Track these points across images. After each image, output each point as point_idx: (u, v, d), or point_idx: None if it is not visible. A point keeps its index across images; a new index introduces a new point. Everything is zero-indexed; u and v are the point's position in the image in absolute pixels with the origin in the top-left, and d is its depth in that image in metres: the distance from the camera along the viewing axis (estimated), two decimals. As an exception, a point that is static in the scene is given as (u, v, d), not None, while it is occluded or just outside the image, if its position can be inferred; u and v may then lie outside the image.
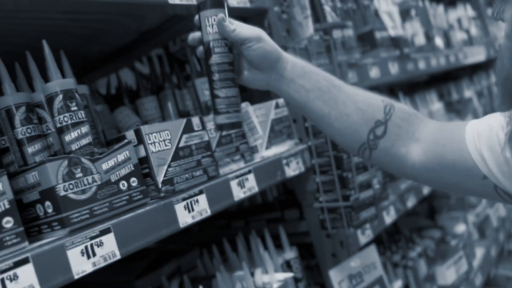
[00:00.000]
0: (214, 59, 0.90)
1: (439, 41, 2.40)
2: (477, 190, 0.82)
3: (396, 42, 1.90)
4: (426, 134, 0.88)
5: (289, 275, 1.17)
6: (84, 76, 1.60)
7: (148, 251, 1.68)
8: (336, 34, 1.49)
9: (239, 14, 1.38)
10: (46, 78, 0.86)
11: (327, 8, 1.60)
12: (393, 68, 1.81)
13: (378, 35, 1.77)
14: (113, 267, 1.53)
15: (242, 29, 0.89)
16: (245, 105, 1.22)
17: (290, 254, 1.29)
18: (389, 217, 1.54)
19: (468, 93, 2.73)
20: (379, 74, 1.70)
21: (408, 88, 2.44)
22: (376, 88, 2.45)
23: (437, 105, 2.31)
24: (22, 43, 0.96)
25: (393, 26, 1.92)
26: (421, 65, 2.08)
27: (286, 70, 0.91)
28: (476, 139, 0.78)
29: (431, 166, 0.86)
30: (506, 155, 0.72)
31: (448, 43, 2.53)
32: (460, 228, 2.14)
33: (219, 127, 0.92)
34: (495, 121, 0.76)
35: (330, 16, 1.59)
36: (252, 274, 1.15)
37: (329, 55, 1.43)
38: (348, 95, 0.90)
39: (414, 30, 2.14)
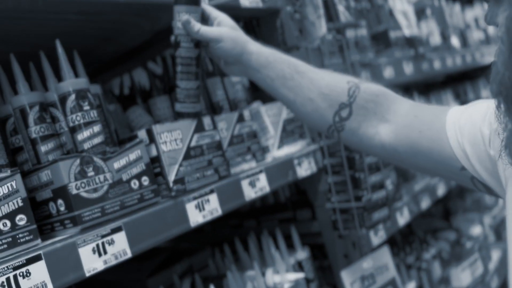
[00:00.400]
0: (179, 52, 0.98)
1: (455, 41, 2.36)
2: (451, 176, 0.82)
3: (411, 42, 1.88)
4: (398, 116, 0.87)
5: (300, 275, 1.16)
6: (98, 76, 1.62)
7: (160, 250, 1.69)
8: (350, 33, 1.48)
9: (251, 14, 1.38)
10: (59, 78, 0.87)
11: (341, 8, 1.59)
12: (408, 68, 1.79)
13: (393, 34, 1.76)
14: (125, 266, 1.55)
15: (205, 31, 0.96)
16: (256, 105, 1.22)
17: (302, 254, 1.29)
18: (403, 218, 1.52)
19: (485, 93, 2.69)
20: (393, 74, 1.68)
21: (424, 88, 2.42)
22: (390, 87, 2.43)
23: (453, 105, 2.28)
24: (36, 44, 0.97)
25: (408, 26, 1.90)
26: (437, 65, 2.05)
27: (251, 61, 0.98)
28: (458, 133, 0.76)
29: (403, 149, 0.85)
30: (491, 153, 0.71)
31: (464, 42, 2.50)
32: (476, 230, 2.10)
33: (177, 114, 1.01)
34: (478, 114, 0.74)
35: (344, 16, 1.58)
36: (264, 274, 1.15)
37: (342, 55, 1.42)
38: (312, 80, 0.94)
39: (430, 30, 2.11)
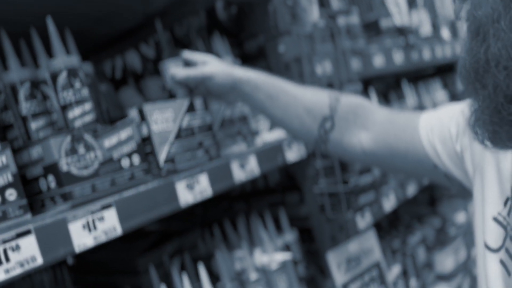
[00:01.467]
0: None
1: (445, 32, 2.38)
2: (427, 175, 0.89)
3: (402, 31, 1.89)
4: (375, 124, 0.95)
5: (288, 255, 1.18)
6: (90, 58, 1.61)
7: (151, 232, 1.71)
8: (341, 20, 1.49)
9: (244, -2, 1.38)
10: (51, 56, 0.87)
11: (333, -6, 1.60)
12: (398, 57, 1.81)
13: (384, 23, 1.77)
14: (116, 246, 1.57)
15: (197, 72, 1.01)
16: (247, 89, 1.23)
17: (290, 236, 1.31)
18: (389, 203, 1.55)
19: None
20: (383, 63, 1.70)
21: (414, 78, 2.44)
22: (381, 77, 2.45)
23: (441, 94, 2.31)
24: (28, 23, 0.96)
25: (399, 15, 1.92)
26: (426, 55, 2.07)
27: (243, 89, 1.02)
28: (430, 133, 0.83)
29: (381, 153, 0.93)
30: (457, 149, 0.78)
31: (454, 34, 2.52)
32: (460, 217, 2.14)
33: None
34: (446, 115, 0.82)
35: (336, 3, 1.59)
36: (252, 254, 1.17)
37: (333, 41, 1.43)
38: (296, 98, 1.00)
39: (420, 20, 2.13)
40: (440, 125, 0.82)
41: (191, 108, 1.00)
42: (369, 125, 0.95)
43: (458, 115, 0.79)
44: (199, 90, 1.05)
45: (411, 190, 1.72)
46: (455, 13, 0.56)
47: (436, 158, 0.82)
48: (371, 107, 0.98)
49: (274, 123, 1.07)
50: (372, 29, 1.72)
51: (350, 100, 0.99)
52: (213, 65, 1.03)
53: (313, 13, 1.33)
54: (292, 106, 1.00)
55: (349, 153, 0.99)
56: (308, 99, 1.00)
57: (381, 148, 0.93)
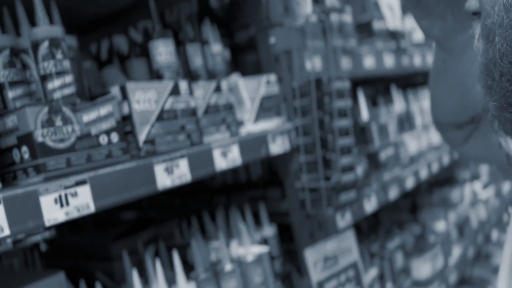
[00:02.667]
0: None
1: (437, 40, 2.39)
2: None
3: (394, 35, 1.89)
4: None
5: (264, 249, 1.17)
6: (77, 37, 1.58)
7: (128, 220, 1.68)
8: (334, 17, 1.48)
9: (238, -13, 1.37)
10: (34, 26, 0.84)
11: (327, -8, 1.59)
12: (388, 60, 1.81)
13: (376, 25, 1.77)
14: (92, 231, 1.53)
15: None
16: (235, 78, 1.22)
17: (269, 231, 1.30)
18: (370, 205, 1.54)
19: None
20: (373, 65, 1.70)
21: (403, 84, 2.45)
22: (371, 81, 2.45)
23: (429, 102, 2.32)
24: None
25: (392, 19, 1.92)
26: (417, 60, 2.08)
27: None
28: None
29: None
30: None
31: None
32: (440, 225, 2.15)
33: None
34: None
35: (330, 0, 1.58)
36: (228, 246, 1.15)
37: (325, 38, 1.42)
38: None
39: (413, 26, 2.14)
40: None
41: (175, 91, 0.98)
42: None
43: None
44: None
45: (393, 194, 1.72)
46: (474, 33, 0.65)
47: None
48: None
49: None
50: (364, 30, 1.72)
51: None
52: None
53: (306, 7, 1.32)
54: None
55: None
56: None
57: None
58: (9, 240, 1.55)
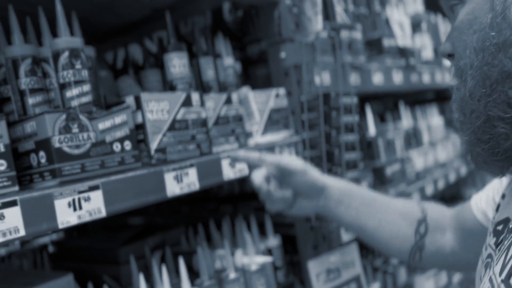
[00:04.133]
0: None
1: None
2: None
3: (403, 52, 1.92)
4: (450, 219, 1.01)
5: (268, 259, 1.19)
6: (93, 45, 1.63)
7: (135, 225, 1.71)
8: (344, 34, 1.51)
9: (251, 2, 1.41)
10: (55, 37, 0.88)
11: (338, 9, 1.63)
12: (397, 77, 1.83)
13: (386, 42, 1.80)
14: (100, 235, 1.56)
15: (289, 162, 1.02)
16: (245, 90, 1.25)
17: (273, 241, 1.32)
18: (375, 220, 1.56)
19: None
20: (382, 81, 1.72)
21: (411, 103, 2.47)
22: (379, 97, 2.47)
23: (437, 119, 2.33)
24: (35, 4, 0.98)
25: (402, 36, 1.95)
26: (426, 78, 2.10)
27: (331, 194, 1.04)
28: (478, 203, 0.93)
29: (463, 242, 0.97)
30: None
31: (455, 61, 2.55)
32: (445, 243, 2.15)
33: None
34: (490, 186, 0.91)
35: (340, 17, 1.62)
36: (233, 254, 1.18)
37: (334, 54, 1.45)
38: (388, 204, 1.03)
39: (423, 44, 2.16)
40: (486, 194, 0.92)
41: (187, 102, 1.02)
42: (446, 225, 1.01)
43: (499, 186, 0.88)
44: (285, 184, 1.04)
45: (398, 209, 1.73)
46: (449, 68, 0.71)
47: (485, 221, 0.90)
48: (442, 209, 1.05)
49: (365, 236, 1.07)
50: (374, 47, 1.75)
51: (432, 204, 1.05)
52: (292, 159, 1.03)
53: (317, 24, 1.35)
54: (387, 212, 1.02)
55: (440, 256, 1.01)
56: (400, 204, 1.04)
57: (460, 237, 0.98)
58: (17, 241, 1.59)
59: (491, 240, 0.70)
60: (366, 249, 1.86)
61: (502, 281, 0.56)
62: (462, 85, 0.63)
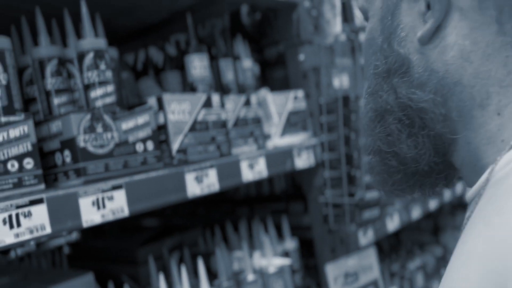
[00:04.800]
0: None
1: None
2: None
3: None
4: None
5: (286, 262, 1.19)
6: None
7: (152, 226, 1.72)
8: (363, 36, 1.51)
9: (269, 5, 1.41)
10: (80, 38, 0.90)
11: (357, 12, 1.63)
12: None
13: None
14: (118, 236, 1.57)
15: None
16: (264, 92, 1.25)
17: (290, 244, 1.32)
18: (392, 224, 1.55)
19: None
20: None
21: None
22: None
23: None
24: (60, 6, 0.99)
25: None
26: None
27: None
28: None
29: None
30: None
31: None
32: (462, 248, 2.13)
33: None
34: None
35: (359, 20, 1.61)
36: (251, 256, 1.18)
37: (353, 56, 1.45)
38: None
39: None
40: None
41: (208, 103, 1.02)
42: None
43: None
44: None
45: (416, 214, 1.71)
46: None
47: None
48: None
49: None
50: (391, 50, 1.74)
51: None
52: None
53: (336, 26, 1.35)
54: None
55: None
56: None
57: None
58: (32, 242, 1.60)
59: None
60: (384, 254, 1.85)
61: None
62: (365, 111, 0.60)
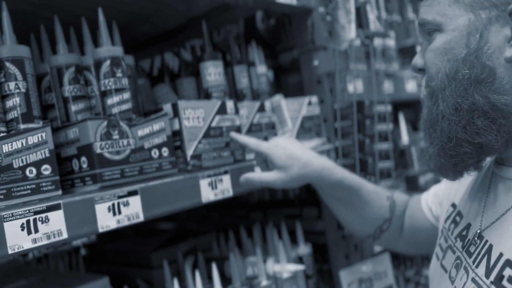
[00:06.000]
0: None
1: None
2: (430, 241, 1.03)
3: (437, 59, 1.89)
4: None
5: (300, 267, 1.19)
6: (130, 54, 1.67)
7: (166, 230, 1.73)
8: (377, 42, 1.50)
9: (284, 10, 1.41)
10: (97, 46, 0.91)
11: (372, 17, 1.62)
12: (430, 85, 1.80)
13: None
14: (131, 239, 1.59)
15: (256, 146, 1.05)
16: (278, 98, 1.26)
17: (304, 249, 1.31)
18: (407, 230, 1.53)
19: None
20: (415, 88, 1.70)
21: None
22: (412, 104, 2.44)
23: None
24: (77, 14, 1.01)
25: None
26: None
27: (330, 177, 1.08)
28: (427, 199, 1.07)
29: (411, 236, 1.11)
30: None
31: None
32: (479, 255, 2.09)
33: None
34: (436, 188, 1.06)
35: (374, 25, 1.61)
36: (265, 262, 1.18)
37: (367, 61, 1.45)
38: (364, 198, 1.09)
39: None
40: (434, 193, 1.06)
41: (222, 110, 1.03)
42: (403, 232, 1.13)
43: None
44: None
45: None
46: (417, 83, 0.79)
47: (431, 217, 1.04)
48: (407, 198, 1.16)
49: (332, 209, 1.15)
50: (407, 54, 1.73)
51: (401, 199, 1.14)
52: (276, 154, 1.03)
53: (351, 32, 1.35)
54: (360, 207, 1.10)
55: (393, 246, 1.19)
56: (374, 199, 1.10)
57: (408, 231, 1.12)
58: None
59: (457, 243, 0.81)
60: (398, 260, 1.83)
61: (492, 282, 0.66)
62: (434, 106, 0.72)
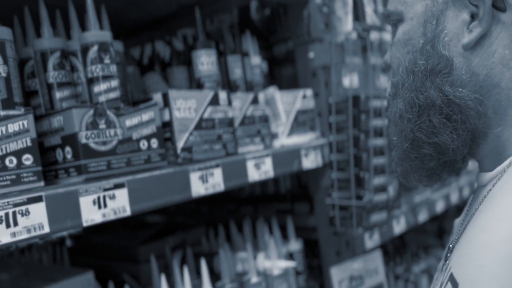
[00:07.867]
0: None
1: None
2: None
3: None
4: None
5: (291, 264, 1.16)
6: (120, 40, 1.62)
7: (154, 223, 1.69)
8: (374, 36, 1.47)
9: (279, 1, 1.38)
10: (84, 30, 0.87)
11: (368, 10, 1.59)
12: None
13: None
14: (118, 231, 1.55)
15: None
16: (272, 90, 1.22)
17: (295, 245, 1.29)
18: (399, 227, 1.51)
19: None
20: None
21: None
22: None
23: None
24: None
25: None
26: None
27: None
28: None
29: None
30: None
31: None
32: (469, 252, 2.09)
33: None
34: None
35: (370, 18, 1.57)
36: (255, 258, 1.15)
37: (364, 55, 1.41)
38: None
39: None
40: None
41: (215, 101, 0.99)
42: None
43: None
44: None
45: (422, 217, 1.68)
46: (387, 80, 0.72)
47: None
48: None
49: None
50: (403, 49, 1.70)
51: None
52: None
53: (348, 24, 1.31)
54: None
55: None
56: None
57: None
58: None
59: (440, 264, 0.73)
60: (388, 256, 1.82)
61: None
62: (395, 103, 0.66)
